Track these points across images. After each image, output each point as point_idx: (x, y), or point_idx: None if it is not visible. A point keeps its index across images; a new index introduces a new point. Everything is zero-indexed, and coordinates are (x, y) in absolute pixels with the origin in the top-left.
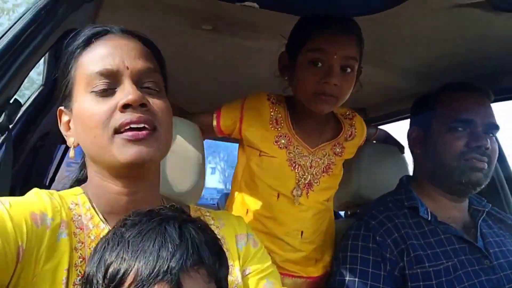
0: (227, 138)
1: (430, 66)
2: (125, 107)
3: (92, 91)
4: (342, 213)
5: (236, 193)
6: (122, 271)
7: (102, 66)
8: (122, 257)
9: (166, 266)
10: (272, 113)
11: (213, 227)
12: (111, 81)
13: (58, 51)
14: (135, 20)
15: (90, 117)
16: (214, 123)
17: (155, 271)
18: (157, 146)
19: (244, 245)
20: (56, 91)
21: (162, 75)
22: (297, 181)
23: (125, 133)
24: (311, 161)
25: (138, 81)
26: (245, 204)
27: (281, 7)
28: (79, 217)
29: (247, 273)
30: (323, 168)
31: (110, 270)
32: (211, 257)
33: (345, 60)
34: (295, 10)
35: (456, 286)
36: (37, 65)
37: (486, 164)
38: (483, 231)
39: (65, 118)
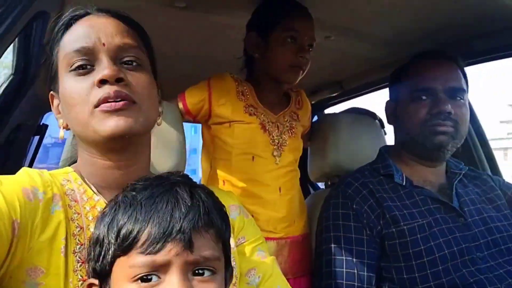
0: None
1: (402, 34)
2: (102, 82)
3: (71, 70)
4: (321, 185)
5: (208, 171)
6: (135, 230)
7: (79, 45)
8: (135, 218)
9: (179, 226)
10: (238, 87)
11: None
12: (88, 58)
13: (28, 37)
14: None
15: (71, 96)
16: (180, 105)
17: (168, 230)
18: (136, 117)
19: (238, 215)
20: (27, 81)
21: (148, 53)
22: (271, 142)
23: (103, 105)
24: (278, 126)
25: (115, 57)
26: (221, 176)
27: None
28: (72, 191)
29: (242, 242)
30: (288, 131)
31: (123, 230)
32: (219, 219)
33: (311, 40)
34: None
35: (431, 242)
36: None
37: (451, 128)
38: (459, 191)
39: (55, 102)
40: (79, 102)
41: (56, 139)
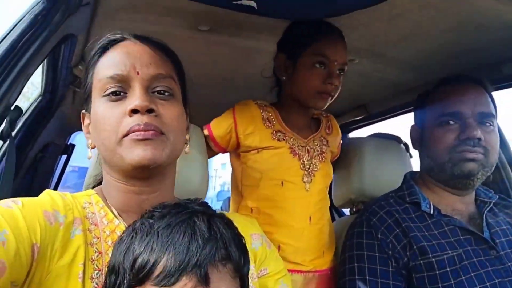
0: None
1: (428, 58)
2: (133, 111)
3: (104, 95)
4: (346, 211)
5: (237, 198)
6: (151, 261)
7: (114, 71)
8: (151, 248)
9: (195, 259)
10: (263, 114)
11: None
12: (122, 85)
13: (56, 59)
14: (131, 23)
15: (102, 121)
16: (208, 139)
17: (184, 263)
18: (162, 148)
19: (260, 245)
20: (55, 101)
21: (180, 81)
22: (301, 167)
23: (132, 133)
24: (308, 150)
25: (148, 86)
26: (249, 204)
27: (278, 11)
28: (93, 215)
29: (265, 273)
30: (319, 155)
31: (139, 260)
32: (237, 253)
33: (342, 65)
34: (291, 14)
35: (462, 277)
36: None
37: (480, 155)
38: (489, 221)
39: (86, 121)
40: (109, 129)
41: (73, 167)
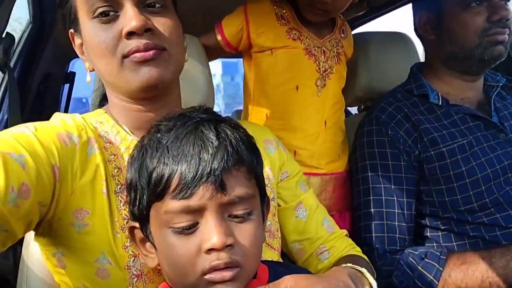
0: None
1: None
2: (130, 34)
3: (94, 17)
4: (353, 110)
5: (250, 105)
6: (166, 175)
7: None
8: (164, 162)
9: (208, 168)
10: (276, 11)
11: None
12: (112, 4)
13: None
14: None
15: (98, 46)
16: (219, 37)
17: (198, 173)
18: (167, 65)
19: (275, 149)
20: (46, 27)
21: None
22: (317, 70)
23: (133, 55)
24: (324, 51)
25: (139, 1)
26: (263, 109)
27: None
28: (106, 133)
29: (286, 176)
30: (335, 57)
31: (154, 175)
32: (249, 154)
33: None
34: None
35: (472, 163)
36: None
37: (507, 36)
38: (497, 105)
39: (77, 40)
40: (107, 53)
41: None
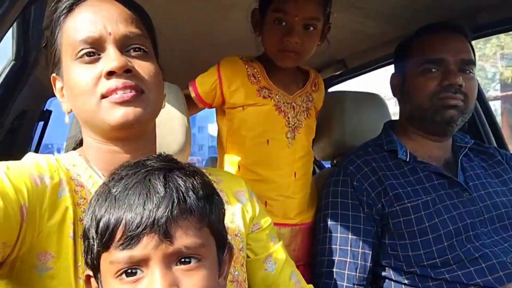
0: None
1: (405, 8)
2: (110, 74)
3: (77, 59)
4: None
5: (224, 156)
6: (111, 225)
7: (85, 34)
8: (110, 212)
9: (152, 218)
10: (248, 70)
11: None
12: (95, 47)
13: (26, 21)
14: None
15: (77, 85)
16: (193, 94)
17: (142, 223)
18: (144, 107)
19: (247, 200)
20: (28, 66)
21: (151, 38)
22: (287, 124)
23: (111, 96)
24: (293, 106)
25: (122, 46)
26: (235, 161)
27: None
28: (78, 176)
29: (257, 228)
30: (304, 112)
31: (101, 224)
32: (199, 202)
33: (306, 20)
34: None
35: (435, 219)
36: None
37: (461, 101)
38: (464, 166)
39: (58, 84)
40: (86, 92)
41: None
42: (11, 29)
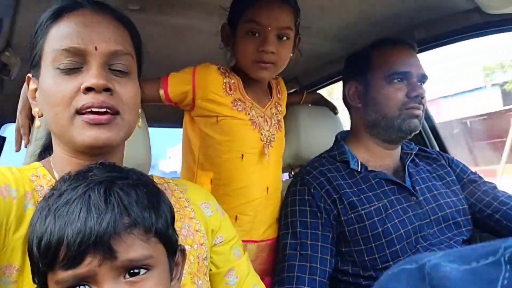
0: None
1: (349, 29)
2: (88, 89)
3: (58, 68)
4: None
5: (195, 169)
6: (53, 244)
7: (70, 44)
8: (50, 231)
9: (94, 235)
10: (225, 80)
11: (176, 192)
12: (77, 59)
13: None
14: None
15: (54, 94)
16: (161, 91)
17: (84, 241)
18: (117, 131)
19: (211, 213)
20: None
21: (137, 56)
22: (262, 139)
23: (86, 116)
24: (266, 120)
25: (106, 62)
26: (208, 174)
27: None
28: (41, 188)
29: (221, 241)
30: (276, 124)
31: (42, 243)
32: (143, 212)
33: (279, 30)
34: None
35: (387, 224)
36: None
37: (422, 112)
38: (411, 171)
39: (32, 85)
40: (61, 104)
41: None
42: None
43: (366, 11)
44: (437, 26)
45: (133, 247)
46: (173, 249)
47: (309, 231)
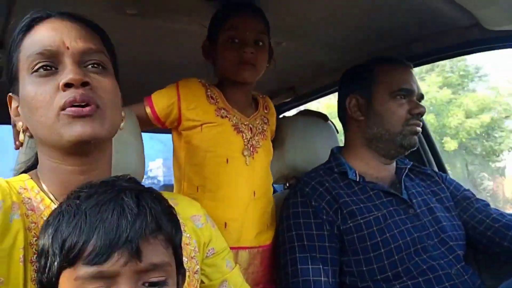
0: None
1: (348, 39)
2: (67, 85)
3: (33, 72)
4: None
5: (182, 181)
6: (80, 242)
7: (42, 47)
8: (80, 228)
9: (125, 235)
10: (207, 92)
11: None
12: (52, 61)
13: None
14: (56, 6)
15: (34, 98)
16: (148, 109)
17: (114, 240)
18: (102, 123)
19: (202, 225)
20: None
21: (111, 57)
22: (245, 143)
23: (69, 109)
24: (250, 128)
25: (80, 61)
26: (194, 183)
27: None
28: (29, 200)
29: (212, 253)
30: (261, 133)
31: (68, 241)
32: (168, 224)
33: (256, 34)
34: None
35: (386, 234)
36: None
37: (420, 129)
38: (407, 185)
39: (14, 104)
40: (43, 106)
41: None
42: None
43: (364, 23)
44: (436, 40)
45: (156, 253)
46: (181, 267)
47: (316, 244)
